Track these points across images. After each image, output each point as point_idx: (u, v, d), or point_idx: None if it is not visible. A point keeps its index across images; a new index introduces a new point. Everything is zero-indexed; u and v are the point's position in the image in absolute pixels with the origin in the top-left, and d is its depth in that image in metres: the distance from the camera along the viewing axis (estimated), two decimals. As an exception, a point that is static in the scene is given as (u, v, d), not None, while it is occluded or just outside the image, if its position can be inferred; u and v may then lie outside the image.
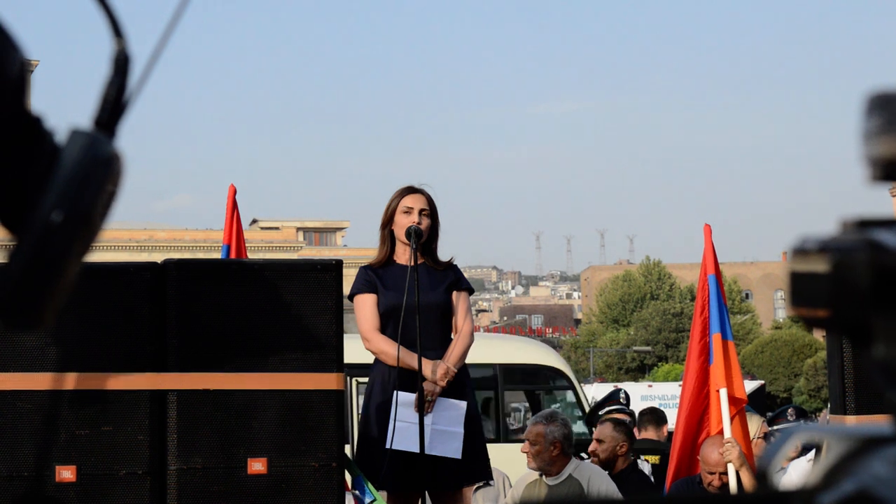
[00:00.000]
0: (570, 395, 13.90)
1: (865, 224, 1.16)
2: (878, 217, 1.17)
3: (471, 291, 6.05)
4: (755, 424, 7.86)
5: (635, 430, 9.13)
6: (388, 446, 5.58)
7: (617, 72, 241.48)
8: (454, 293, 5.91)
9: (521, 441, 7.56)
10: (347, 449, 5.32)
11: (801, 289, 1.20)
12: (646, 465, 8.61)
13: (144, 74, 1.52)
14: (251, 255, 8.60)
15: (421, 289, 5.69)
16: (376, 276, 5.89)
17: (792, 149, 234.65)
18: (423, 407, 5.60)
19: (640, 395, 28.74)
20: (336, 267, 4.89)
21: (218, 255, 8.52)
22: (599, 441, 8.01)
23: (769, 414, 10.75)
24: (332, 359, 4.81)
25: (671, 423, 8.66)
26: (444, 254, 6.03)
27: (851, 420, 5.38)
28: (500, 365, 14.09)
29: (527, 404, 16.21)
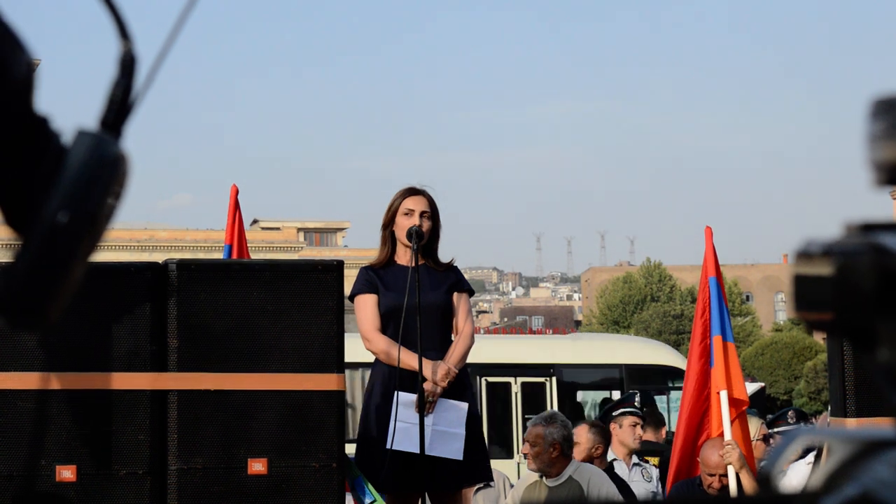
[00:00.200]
0: None
1: (869, 228, 1.17)
2: (882, 221, 1.17)
3: (471, 293, 6.05)
4: (754, 426, 7.86)
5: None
6: (387, 447, 5.58)
7: (618, 73, 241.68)
8: (455, 294, 5.91)
9: None
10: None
11: (805, 292, 1.21)
12: (654, 470, 8.59)
13: (150, 76, 1.53)
14: (251, 256, 8.59)
15: (422, 290, 5.69)
16: (377, 276, 5.89)
17: (793, 151, 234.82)
18: (423, 408, 5.61)
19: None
20: (337, 267, 4.89)
21: (219, 256, 8.52)
22: (575, 443, 8.06)
23: (769, 416, 10.76)
24: (332, 359, 4.82)
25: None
26: (444, 255, 6.04)
27: (852, 423, 5.38)
28: (626, 365, 14.34)
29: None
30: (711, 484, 6.61)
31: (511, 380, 16.31)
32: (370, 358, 5.91)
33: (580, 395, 17.02)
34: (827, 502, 1.13)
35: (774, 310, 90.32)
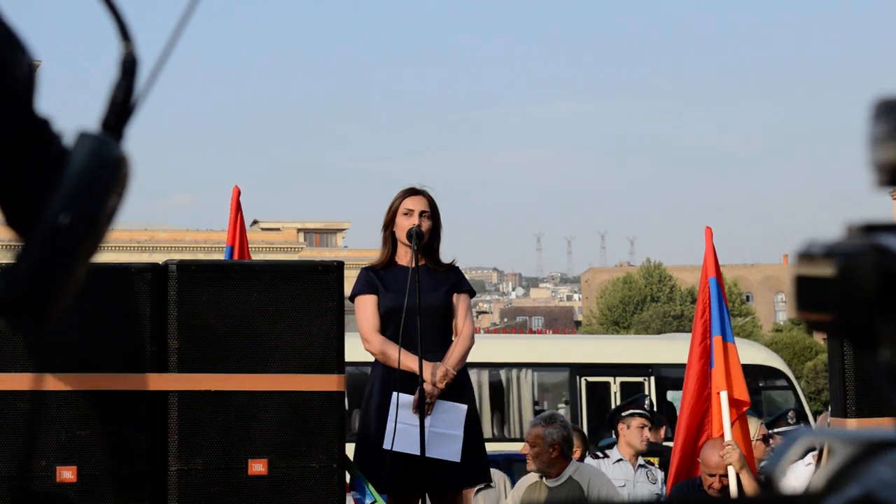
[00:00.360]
0: (790, 396, 14.24)
1: (871, 228, 1.17)
2: (884, 221, 1.17)
3: (472, 293, 6.04)
4: (753, 427, 7.86)
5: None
6: (384, 447, 5.58)
7: (618, 73, 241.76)
8: (454, 295, 5.90)
9: None
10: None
11: (807, 293, 1.21)
12: (660, 473, 8.57)
13: (151, 78, 1.53)
14: (251, 257, 8.59)
15: (421, 290, 5.69)
16: (377, 277, 5.89)
17: (793, 151, 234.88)
18: (423, 409, 5.60)
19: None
20: (337, 268, 4.89)
21: (219, 256, 8.53)
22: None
23: (768, 417, 10.76)
24: (333, 360, 4.81)
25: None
26: (443, 255, 6.03)
27: (852, 423, 5.37)
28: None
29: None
30: (712, 484, 6.61)
31: (610, 379, 16.58)
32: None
33: (676, 395, 17.38)
34: (829, 503, 1.13)
35: (774, 310, 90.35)
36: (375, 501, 5.40)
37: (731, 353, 6.87)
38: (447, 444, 5.65)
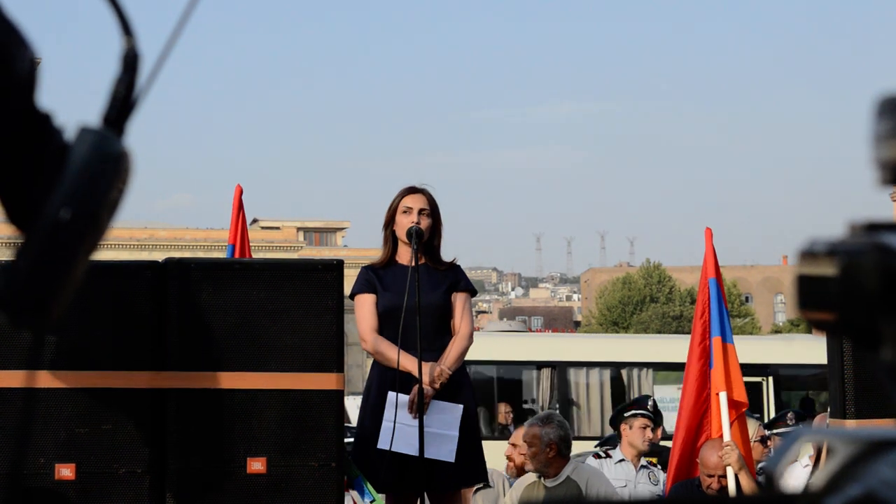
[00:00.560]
0: None
1: (873, 227, 1.17)
2: (886, 221, 1.17)
3: (473, 292, 6.02)
4: (752, 428, 7.85)
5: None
6: (378, 447, 5.57)
7: (618, 74, 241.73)
8: (453, 294, 5.89)
9: None
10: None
11: (809, 292, 1.20)
12: (662, 474, 8.55)
13: (153, 73, 1.52)
14: (252, 255, 8.60)
15: (420, 289, 5.68)
16: (376, 276, 5.89)
17: (793, 152, 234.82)
18: (421, 408, 5.59)
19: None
20: (337, 267, 4.89)
21: (218, 255, 8.53)
22: (515, 445, 8.22)
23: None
24: (332, 359, 4.81)
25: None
26: (443, 255, 6.01)
27: (851, 424, 5.37)
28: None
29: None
30: (710, 485, 6.61)
31: None
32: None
33: (794, 394, 17.52)
34: (830, 502, 1.13)
35: (774, 311, 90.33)
36: (374, 501, 5.40)
37: (730, 354, 6.86)
38: (442, 444, 5.64)
